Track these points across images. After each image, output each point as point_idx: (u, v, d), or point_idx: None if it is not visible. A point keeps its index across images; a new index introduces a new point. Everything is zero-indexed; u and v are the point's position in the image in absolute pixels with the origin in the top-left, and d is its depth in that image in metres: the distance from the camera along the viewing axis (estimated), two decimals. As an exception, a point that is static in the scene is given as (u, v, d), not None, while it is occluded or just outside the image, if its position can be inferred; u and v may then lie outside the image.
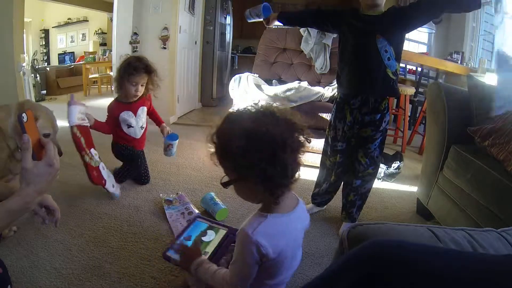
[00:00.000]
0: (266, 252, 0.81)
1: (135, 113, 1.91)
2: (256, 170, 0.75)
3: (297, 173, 0.83)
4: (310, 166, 2.44)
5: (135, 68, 1.79)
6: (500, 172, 1.29)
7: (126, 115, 1.89)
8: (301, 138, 0.82)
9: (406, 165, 2.64)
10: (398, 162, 2.38)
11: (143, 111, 1.95)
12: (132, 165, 1.97)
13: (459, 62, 3.70)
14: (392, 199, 2.08)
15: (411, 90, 3.10)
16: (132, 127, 1.92)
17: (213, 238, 1.27)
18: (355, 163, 1.60)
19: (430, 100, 1.80)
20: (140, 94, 1.87)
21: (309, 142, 0.84)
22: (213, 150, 0.82)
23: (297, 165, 0.82)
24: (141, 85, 1.84)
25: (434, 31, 3.95)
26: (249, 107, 0.84)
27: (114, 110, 1.90)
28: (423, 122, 3.30)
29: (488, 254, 0.60)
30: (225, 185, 0.83)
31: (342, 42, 1.52)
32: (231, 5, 5.17)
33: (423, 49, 4.82)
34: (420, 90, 3.61)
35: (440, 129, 1.69)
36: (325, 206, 1.85)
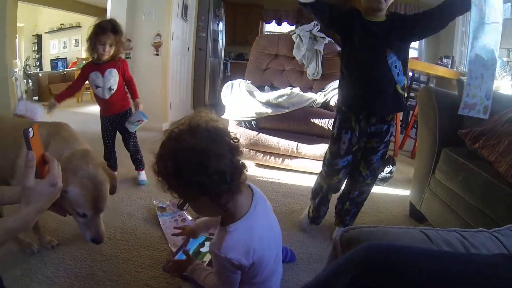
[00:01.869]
0: (239, 263, 0.85)
1: (102, 74, 1.95)
2: (192, 185, 0.77)
3: (242, 174, 0.84)
4: (302, 172, 2.46)
5: (103, 28, 1.86)
6: (490, 173, 1.32)
7: (94, 76, 1.95)
8: (230, 142, 0.83)
9: (399, 169, 2.67)
10: (390, 166, 2.40)
11: (111, 72, 1.96)
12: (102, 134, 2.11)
13: (449, 66, 3.77)
14: (385, 203, 2.10)
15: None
16: (100, 87, 1.97)
17: None
18: (355, 174, 1.54)
19: (421, 104, 1.83)
20: (108, 54, 1.91)
21: (237, 142, 0.85)
22: (158, 178, 0.84)
23: (236, 167, 0.82)
24: (109, 45, 1.89)
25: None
26: (175, 129, 0.85)
27: (84, 70, 1.99)
28: (415, 126, 3.34)
29: (479, 254, 0.61)
30: (181, 207, 0.88)
31: (350, 52, 1.41)
32: (223, 12, 5.19)
33: (414, 54, 4.90)
34: (412, 94, 3.66)
35: (431, 132, 1.72)
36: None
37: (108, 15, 3.47)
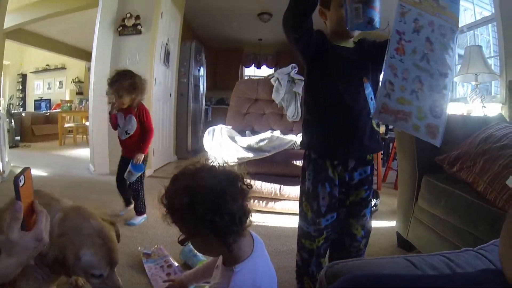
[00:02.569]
0: None
1: (124, 116, 2.11)
2: (204, 222, 0.79)
3: (248, 219, 0.88)
4: (286, 214, 2.47)
5: (115, 78, 2.02)
6: (471, 193, 1.37)
7: (119, 116, 2.13)
8: (243, 186, 0.88)
9: (383, 201, 2.70)
10: (374, 200, 2.43)
11: (130, 118, 2.09)
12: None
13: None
14: (372, 236, 2.07)
15: (381, 128, 3.23)
16: (120, 127, 2.14)
17: None
18: (345, 239, 1.22)
19: (398, 136, 1.90)
20: (123, 103, 2.04)
21: (250, 188, 0.90)
22: (164, 211, 0.86)
23: (245, 212, 0.86)
24: (123, 96, 2.01)
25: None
26: (190, 166, 0.88)
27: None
28: (396, 158, 3.42)
29: (463, 273, 0.62)
30: (182, 242, 0.88)
31: (321, 83, 1.15)
32: (204, 57, 5.31)
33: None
34: (390, 127, 3.77)
35: (410, 162, 1.77)
36: None
37: (93, 58, 3.57)
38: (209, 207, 0.79)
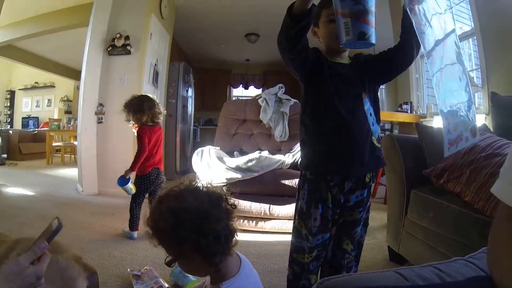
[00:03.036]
0: None
1: None
2: (188, 243, 0.80)
3: (234, 239, 0.88)
4: (277, 233, 2.47)
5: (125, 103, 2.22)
6: (459, 204, 1.40)
7: None
8: (227, 206, 0.89)
9: (374, 216, 2.71)
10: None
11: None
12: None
13: (409, 111, 3.98)
14: (364, 251, 2.06)
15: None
16: None
17: None
18: (337, 253, 1.22)
19: (386, 152, 1.91)
20: (132, 125, 2.26)
21: (234, 208, 0.90)
22: (150, 233, 0.87)
23: (230, 231, 0.87)
24: (128, 119, 2.22)
25: (384, 86, 4.29)
26: (174, 188, 0.89)
27: None
28: (384, 173, 3.45)
29: (453, 282, 0.62)
30: (168, 264, 0.87)
31: (319, 101, 1.13)
32: (192, 78, 5.34)
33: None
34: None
35: (398, 176, 1.80)
36: None
37: (82, 77, 3.57)
38: (193, 228, 0.80)
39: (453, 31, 1.08)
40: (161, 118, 2.35)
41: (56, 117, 7.83)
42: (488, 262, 0.54)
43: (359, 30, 0.89)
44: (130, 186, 2.20)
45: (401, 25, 1.10)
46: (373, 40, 0.90)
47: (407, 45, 1.09)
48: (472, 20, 3.09)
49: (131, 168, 2.19)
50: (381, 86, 1.34)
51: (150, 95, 2.30)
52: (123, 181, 2.17)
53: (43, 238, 0.65)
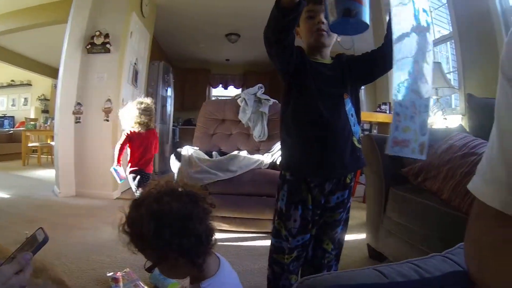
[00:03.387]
0: None
1: None
2: (172, 246, 0.78)
3: (213, 238, 0.88)
4: (256, 233, 2.46)
5: None
6: (436, 202, 1.43)
7: None
8: (206, 206, 0.87)
9: (352, 215, 2.69)
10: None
11: None
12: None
13: (387, 111, 4.04)
14: (344, 250, 2.08)
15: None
16: None
17: None
18: (318, 253, 1.22)
19: (365, 152, 1.93)
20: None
21: (213, 207, 0.89)
22: (127, 239, 0.83)
23: (210, 231, 0.86)
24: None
25: (363, 87, 4.35)
26: (151, 190, 0.86)
27: None
28: (362, 172, 3.51)
29: (431, 277, 0.63)
30: (149, 270, 0.85)
31: (300, 102, 1.12)
32: (172, 78, 5.29)
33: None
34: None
35: (377, 175, 1.83)
36: None
37: (60, 75, 3.47)
38: (177, 231, 0.78)
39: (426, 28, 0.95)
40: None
41: (32, 116, 7.59)
42: (465, 257, 0.55)
43: (344, 7, 0.79)
44: (121, 174, 2.30)
45: (386, 27, 1.05)
46: (363, 18, 0.80)
47: (389, 47, 1.03)
48: (450, 24, 3.18)
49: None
50: (362, 87, 1.33)
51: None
52: (115, 169, 2.30)
53: (27, 249, 0.65)
